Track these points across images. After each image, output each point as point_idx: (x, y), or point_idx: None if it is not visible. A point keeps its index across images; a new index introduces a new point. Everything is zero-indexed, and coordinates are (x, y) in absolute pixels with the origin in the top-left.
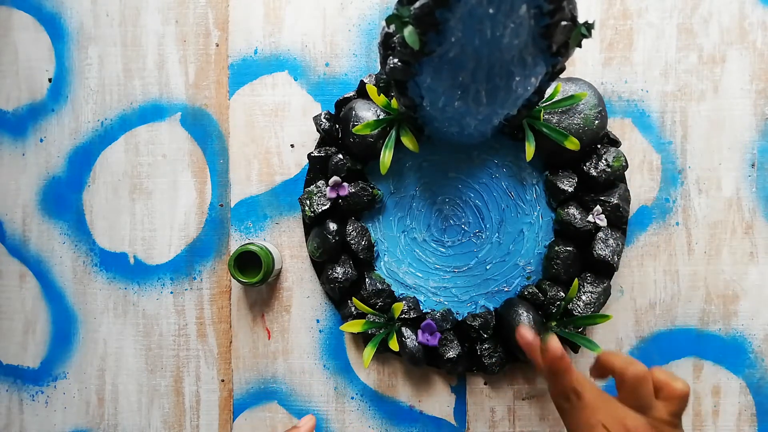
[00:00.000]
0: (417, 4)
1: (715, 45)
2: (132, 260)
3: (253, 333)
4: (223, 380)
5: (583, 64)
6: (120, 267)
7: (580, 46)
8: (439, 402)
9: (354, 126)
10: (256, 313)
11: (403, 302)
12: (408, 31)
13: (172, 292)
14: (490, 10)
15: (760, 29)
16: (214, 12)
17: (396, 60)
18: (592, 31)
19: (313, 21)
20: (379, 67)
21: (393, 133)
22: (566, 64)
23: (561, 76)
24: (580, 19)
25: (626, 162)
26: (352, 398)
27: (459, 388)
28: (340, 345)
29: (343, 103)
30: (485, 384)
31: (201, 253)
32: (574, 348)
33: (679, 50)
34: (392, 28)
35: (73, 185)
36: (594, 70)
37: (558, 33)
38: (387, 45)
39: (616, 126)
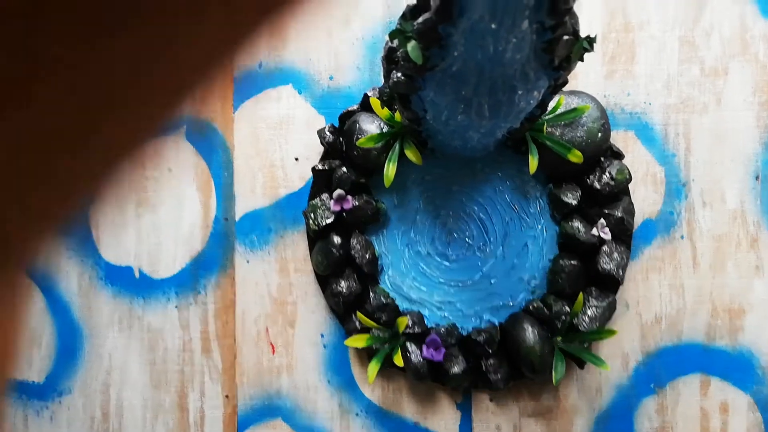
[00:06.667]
0: (420, 19)
1: (717, 57)
2: (137, 274)
3: (257, 348)
4: (227, 396)
5: (586, 77)
6: (125, 281)
7: (582, 60)
8: (444, 419)
9: (358, 139)
10: (261, 328)
11: (408, 317)
12: (411, 46)
13: (176, 307)
14: (493, 26)
15: (761, 42)
16: None
17: (399, 74)
18: (594, 45)
19: (317, 35)
20: (383, 81)
21: (396, 146)
22: (569, 77)
23: (564, 89)
24: (582, 33)
25: (630, 175)
26: (357, 414)
27: (464, 405)
28: (345, 360)
29: (346, 117)
30: (491, 401)
31: (205, 267)
32: (580, 364)
33: (681, 63)
34: (395, 42)
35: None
36: (596, 82)
37: (560, 47)
38: (390, 59)
39: (619, 138)
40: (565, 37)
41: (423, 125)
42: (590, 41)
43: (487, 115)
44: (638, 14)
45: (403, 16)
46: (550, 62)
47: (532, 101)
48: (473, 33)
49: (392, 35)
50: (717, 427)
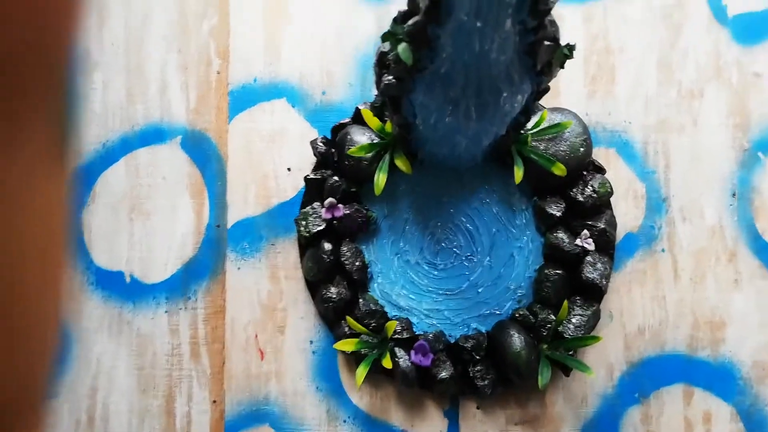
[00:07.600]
0: (410, 22)
1: (693, 80)
2: (128, 279)
3: (246, 354)
4: (215, 401)
5: (568, 95)
6: (116, 286)
7: (563, 67)
8: (431, 426)
9: (349, 149)
10: (250, 334)
11: (396, 322)
12: (402, 48)
13: (166, 311)
14: (478, 24)
15: (735, 67)
16: (215, 42)
17: (390, 77)
18: (574, 52)
19: (310, 52)
20: (374, 93)
21: (387, 156)
22: (552, 95)
23: (547, 106)
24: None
25: (611, 188)
26: (345, 421)
27: (451, 412)
28: (333, 367)
29: (339, 129)
30: (478, 408)
31: (196, 273)
32: (566, 371)
33: (659, 84)
34: (387, 46)
35: (73, 204)
36: (579, 101)
37: (542, 52)
38: (382, 63)
39: (600, 155)
40: (547, 43)
41: (412, 131)
42: (570, 48)
43: (474, 117)
44: (618, 38)
45: (395, 20)
46: (533, 66)
47: (516, 105)
48: (460, 33)
49: (384, 38)
50: None
